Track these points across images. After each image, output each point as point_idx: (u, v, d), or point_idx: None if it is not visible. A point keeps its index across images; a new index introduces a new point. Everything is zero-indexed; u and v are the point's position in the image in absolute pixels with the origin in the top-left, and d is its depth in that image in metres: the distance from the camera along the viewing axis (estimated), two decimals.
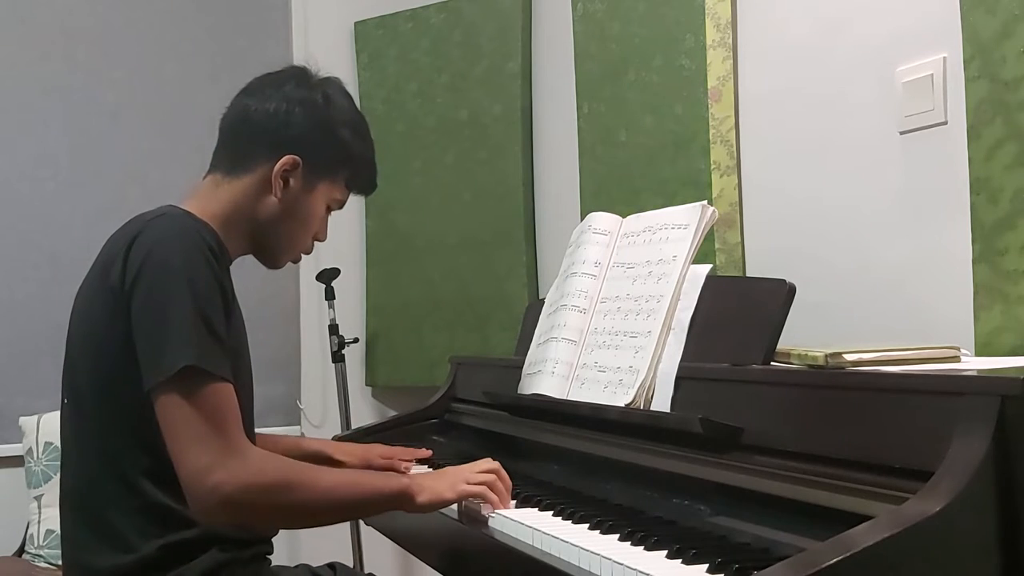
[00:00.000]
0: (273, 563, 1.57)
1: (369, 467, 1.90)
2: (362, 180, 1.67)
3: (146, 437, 1.36)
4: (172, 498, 1.37)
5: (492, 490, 1.49)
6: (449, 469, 1.54)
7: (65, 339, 1.52)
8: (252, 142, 1.56)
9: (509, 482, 1.53)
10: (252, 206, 1.55)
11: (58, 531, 2.71)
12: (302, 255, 1.65)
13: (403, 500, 1.44)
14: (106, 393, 1.41)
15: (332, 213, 1.66)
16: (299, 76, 1.61)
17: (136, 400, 1.35)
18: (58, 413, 2.84)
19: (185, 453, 1.30)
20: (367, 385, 3.37)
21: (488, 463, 1.54)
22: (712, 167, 2.20)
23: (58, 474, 2.73)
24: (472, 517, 1.50)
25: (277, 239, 1.59)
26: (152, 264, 1.36)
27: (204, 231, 1.43)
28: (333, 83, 1.63)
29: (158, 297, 1.35)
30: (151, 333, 1.34)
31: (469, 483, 1.48)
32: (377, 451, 1.96)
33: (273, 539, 1.59)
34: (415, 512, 1.46)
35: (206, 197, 1.55)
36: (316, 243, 1.66)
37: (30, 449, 2.83)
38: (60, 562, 2.68)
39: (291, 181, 1.55)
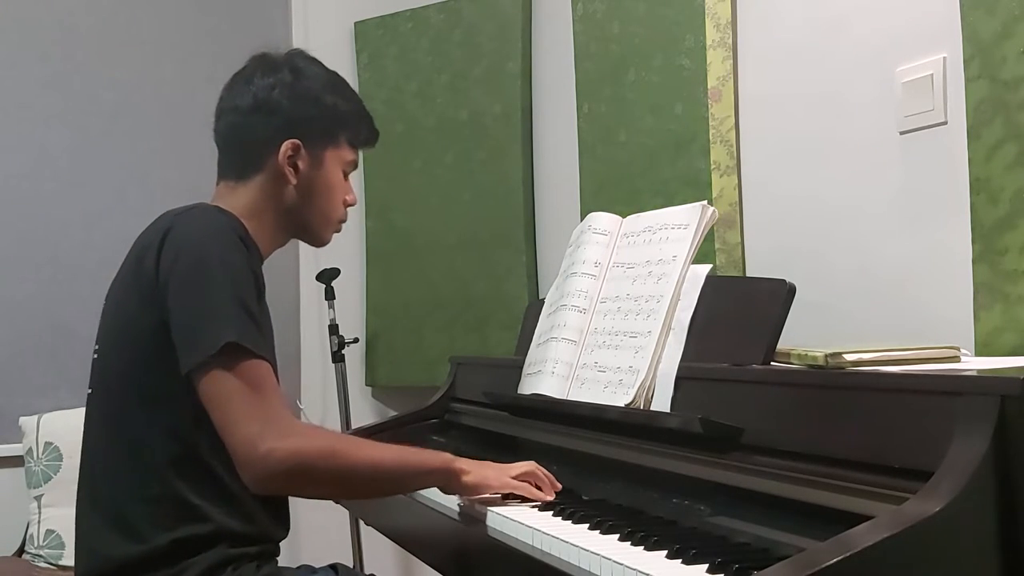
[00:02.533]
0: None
1: None
2: (363, 134, 1.67)
3: (173, 425, 1.40)
4: (190, 491, 1.41)
5: (535, 485, 1.52)
6: (489, 463, 1.55)
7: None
8: (248, 145, 1.57)
9: (549, 475, 1.55)
10: (274, 200, 1.57)
11: (58, 531, 2.74)
12: (341, 224, 1.67)
13: (448, 476, 1.47)
14: (136, 381, 1.44)
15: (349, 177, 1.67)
16: (262, 64, 1.61)
17: (165, 388, 1.38)
18: (58, 413, 2.89)
19: (235, 423, 1.33)
20: (367, 385, 3.37)
21: (526, 464, 1.55)
22: (712, 167, 2.20)
23: (58, 474, 2.77)
24: (474, 517, 1.50)
25: (310, 219, 1.62)
26: (188, 254, 1.40)
27: (235, 223, 1.47)
28: (296, 55, 1.64)
29: (197, 286, 1.38)
30: (190, 318, 1.37)
31: (514, 479, 1.51)
32: None
33: (280, 542, 1.59)
34: (457, 492, 1.49)
35: (227, 199, 1.57)
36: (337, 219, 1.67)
37: (30, 449, 2.83)
38: (60, 562, 2.70)
39: (300, 164, 1.57)
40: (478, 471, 1.49)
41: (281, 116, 1.56)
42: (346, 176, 1.65)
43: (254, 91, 1.57)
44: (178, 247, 1.41)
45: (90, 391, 1.53)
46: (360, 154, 1.68)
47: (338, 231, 1.68)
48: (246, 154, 1.57)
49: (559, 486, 1.54)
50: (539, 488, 1.52)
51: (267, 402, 1.35)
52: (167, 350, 1.38)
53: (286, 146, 1.55)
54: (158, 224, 1.48)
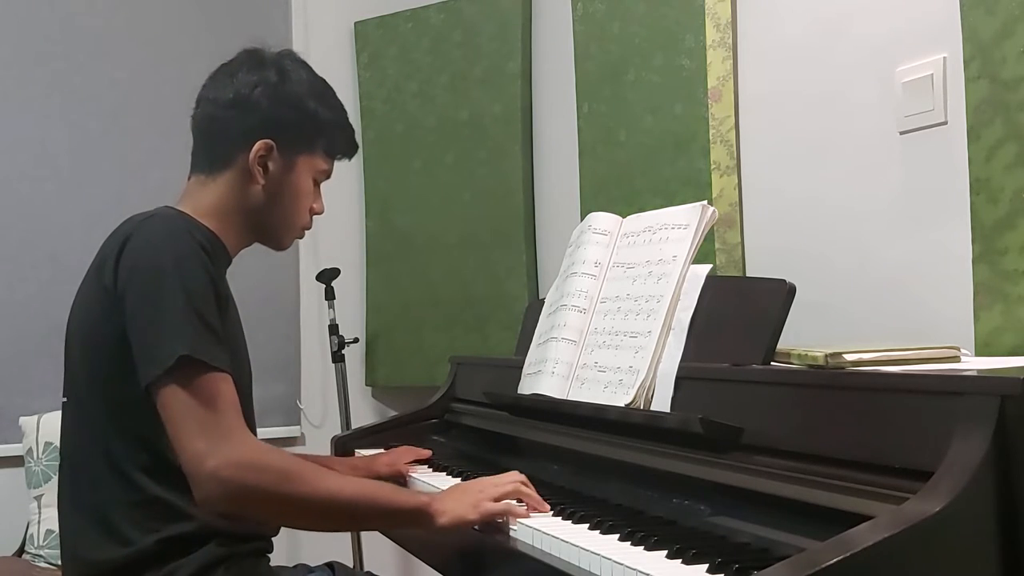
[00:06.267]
0: (271, 563, 1.57)
1: (376, 476, 1.89)
2: (340, 144, 1.64)
3: (141, 433, 1.38)
4: (170, 492, 1.39)
5: (519, 499, 1.45)
6: (470, 484, 1.49)
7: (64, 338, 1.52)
8: (222, 138, 1.56)
9: (535, 495, 1.47)
10: (240, 199, 1.56)
11: (58, 531, 2.73)
12: (304, 231, 1.65)
13: (422, 519, 1.40)
14: (102, 391, 1.43)
15: (323, 187, 1.65)
16: (251, 59, 1.59)
17: (130, 397, 1.36)
18: (58, 413, 2.87)
19: (185, 441, 1.30)
20: (367, 385, 3.37)
21: (511, 475, 1.49)
22: (712, 167, 2.20)
23: (58, 474, 2.76)
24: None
25: (274, 223, 1.60)
26: (144, 265, 1.38)
27: (196, 230, 1.45)
28: (286, 56, 1.61)
29: (151, 296, 1.36)
30: (146, 331, 1.35)
31: (492, 499, 1.43)
32: (382, 460, 1.96)
33: (273, 539, 1.59)
34: (433, 533, 1.42)
35: (195, 197, 1.56)
36: (313, 227, 1.66)
37: (30, 449, 2.83)
38: (60, 561, 2.69)
39: (270, 165, 1.55)
40: (453, 510, 1.40)
41: (259, 115, 1.54)
42: (316, 184, 1.62)
43: (236, 86, 1.55)
44: (135, 257, 1.39)
45: (64, 400, 1.52)
46: (334, 164, 1.65)
47: (300, 237, 1.67)
48: (218, 148, 1.56)
49: (547, 507, 1.45)
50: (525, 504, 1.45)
51: (218, 418, 1.31)
52: (129, 361, 1.36)
53: (259, 145, 1.53)
54: (119, 232, 1.45)
